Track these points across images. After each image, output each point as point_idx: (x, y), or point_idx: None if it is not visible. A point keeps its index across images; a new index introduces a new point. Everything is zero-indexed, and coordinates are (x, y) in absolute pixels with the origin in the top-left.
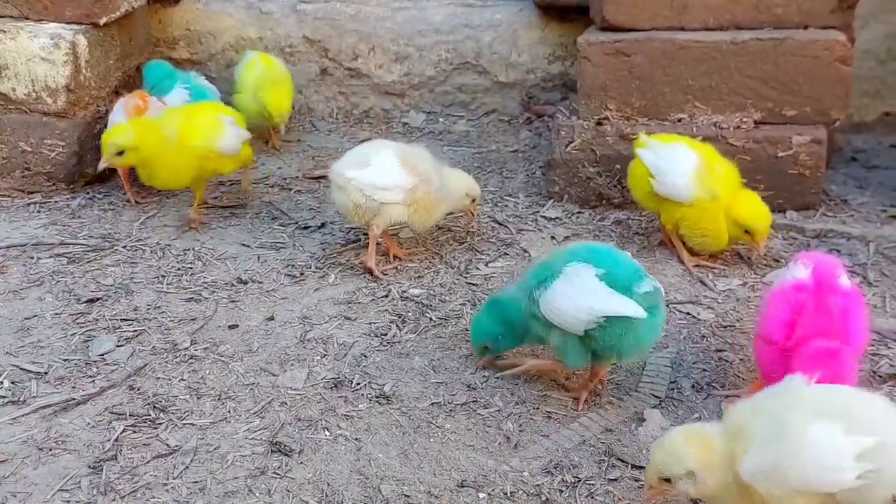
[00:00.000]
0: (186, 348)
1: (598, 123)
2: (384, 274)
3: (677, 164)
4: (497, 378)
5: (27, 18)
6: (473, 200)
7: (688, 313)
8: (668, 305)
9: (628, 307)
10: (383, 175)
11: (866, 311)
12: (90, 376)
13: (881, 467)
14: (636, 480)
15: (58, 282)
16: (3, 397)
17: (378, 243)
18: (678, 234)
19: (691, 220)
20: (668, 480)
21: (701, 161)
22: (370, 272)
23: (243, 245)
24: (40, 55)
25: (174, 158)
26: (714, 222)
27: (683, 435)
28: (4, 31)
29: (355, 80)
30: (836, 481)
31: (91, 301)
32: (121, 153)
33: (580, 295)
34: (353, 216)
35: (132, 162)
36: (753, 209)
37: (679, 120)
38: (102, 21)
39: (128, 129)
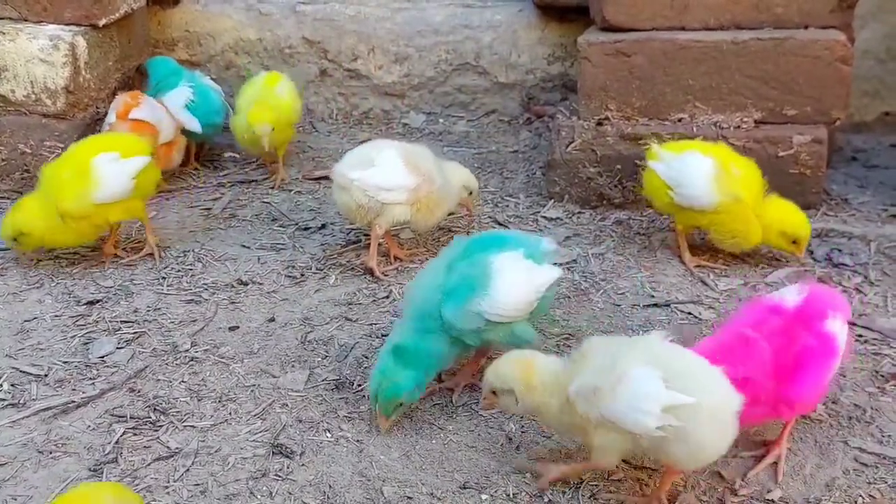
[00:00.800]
0: (187, 350)
1: (599, 124)
2: (385, 275)
3: (693, 174)
4: None
5: (26, 20)
6: (471, 193)
7: (689, 313)
8: (669, 305)
9: (557, 270)
10: (387, 176)
11: (832, 363)
12: (90, 378)
13: (685, 426)
14: (639, 481)
15: (57, 284)
16: (3, 400)
17: (379, 244)
18: (686, 236)
19: (720, 225)
20: (494, 394)
21: (716, 165)
22: (371, 273)
23: (243, 246)
24: (39, 57)
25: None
26: (744, 223)
27: (512, 358)
28: (3, 33)
29: (355, 81)
30: (639, 423)
31: (91, 303)
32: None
33: (527, 279)
34: (355, 217)
35: (34, 245)
36: (796, 218)
37: (679, 120)
38: (101, 22)
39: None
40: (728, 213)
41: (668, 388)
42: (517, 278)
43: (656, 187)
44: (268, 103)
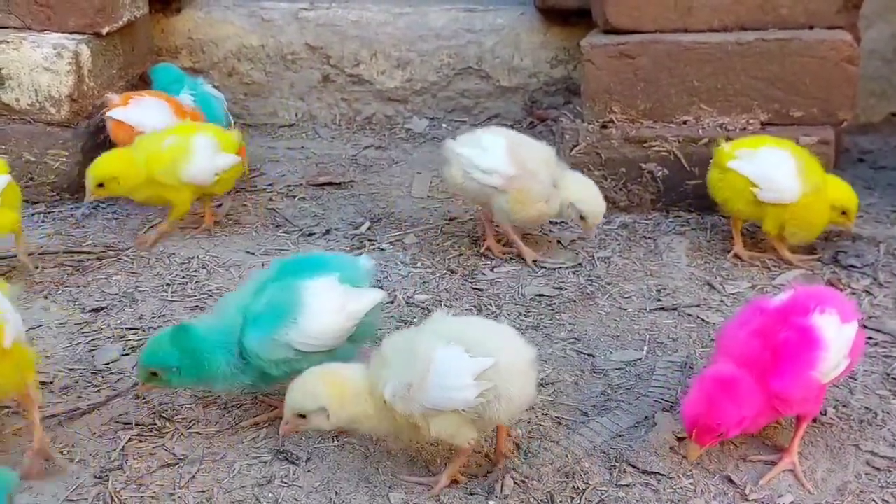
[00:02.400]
0: None
1: (603, 126)
2: (534, 262)
3: (779, 168)
4: None
5: (30, 29)
6: (583, 218)
7: (697, 317)
8: (676, 309)
9: (377, 293)
10: (486, 158)
11: (815, 354)
12: (95, 386)
13: (497, 385)
14: (647, 486)
15: (62, 291)
16: (9, 407)
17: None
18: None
19: (799, 217)
20: (303, 416)
21: (794, 157)
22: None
23: (248, 253)
24: (43, 65)
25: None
26: (820, 213)
27: (317, 374)
28: (7, 42)
29: (357, 86)
30: (459, 399)
31: (96, 310)
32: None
33: (340, 306)
34: (459, 192)
35: (117, 193)
36: (846, 191)
37: (685, 122)
38: (105, 30)
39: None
40: (807, 205)
41: (471, 356)
42: (329, 305)
43: (738, 189)
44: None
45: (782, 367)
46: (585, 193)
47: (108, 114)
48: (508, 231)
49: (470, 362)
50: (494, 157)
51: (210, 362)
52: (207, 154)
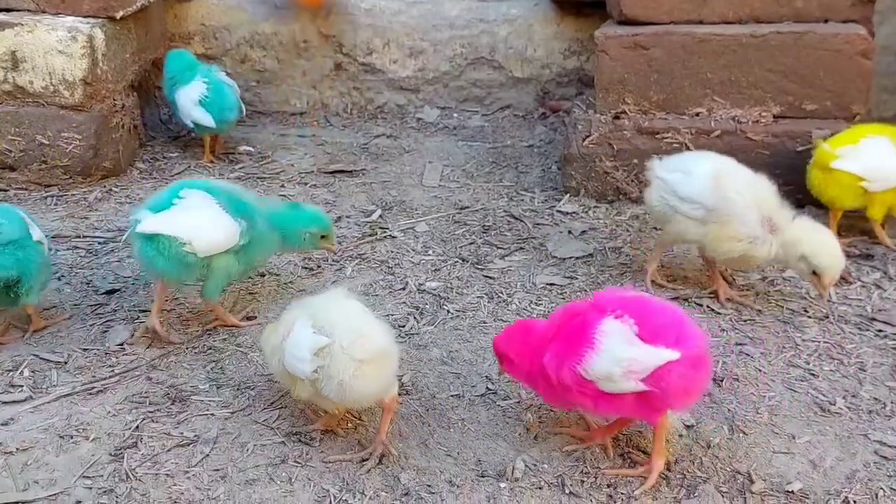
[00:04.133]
0: (205, 339)
1: (616, 117)
2: (728, 301)
3: (884, 158)
4: None
5: (44, 12)
6: (816, 274)
7: (707, 307)
8: (687, 299)
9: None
10: (687, 184)
11: (584, 350)
12: (110, 366)
13: (328, 365)
14: (664, 477)
15: (76, 273)
16: (20, 386)
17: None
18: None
19: None
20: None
21: (893, 142)
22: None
23: None
24: (57, 48)
25: None
26: None
27: (270, 325)
28: (22, 25)
29: (370, 75)
30: (301, 370)
31: (109, 292)
32: None
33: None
34: (658, 221)
35: None
36: None
37: (697, 114)
38: (119, 14)
39: None
40: None
41: (315, 334)
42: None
43: (845, 184)
44: None
45: (553, 347)
46: (821, 245)
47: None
48: (710, 263)
49: (311, 338)
50: (696, 184)
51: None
52: None
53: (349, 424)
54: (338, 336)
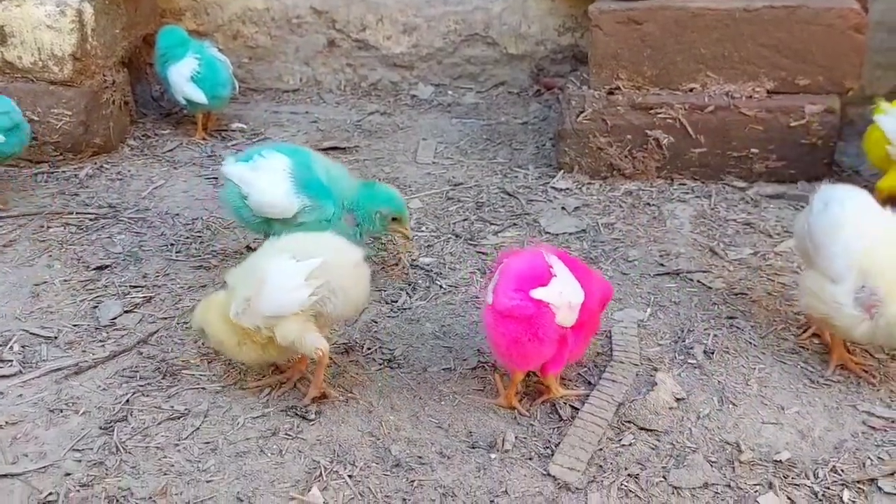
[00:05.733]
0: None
1: (610, 93)
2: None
3: None
4: None
5: None
6: None
7: (699, 281)
8: (679, 274)
9: None
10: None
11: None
12: (100, 341)
13: (329, 280)
14: (647, 443)
15: (66, 250)
16: (10, 361)
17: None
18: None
19: None
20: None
21: None
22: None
23: None
24: (46, 23)
25: None
26: None
27: (204, 300)
28: None
29: (363, 51)
30: (295, 300)
31: (100, 268)
32: None
33: None
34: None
35: None
36: None
37: (691, 89)
38: None
39: None
40: None
41: (298, 262)
42: None
43: (874, 141)
44: None
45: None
46: None
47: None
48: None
49: (299, 265)
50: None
51: None
52: None
53: (341, 398)
54: (322, 253)
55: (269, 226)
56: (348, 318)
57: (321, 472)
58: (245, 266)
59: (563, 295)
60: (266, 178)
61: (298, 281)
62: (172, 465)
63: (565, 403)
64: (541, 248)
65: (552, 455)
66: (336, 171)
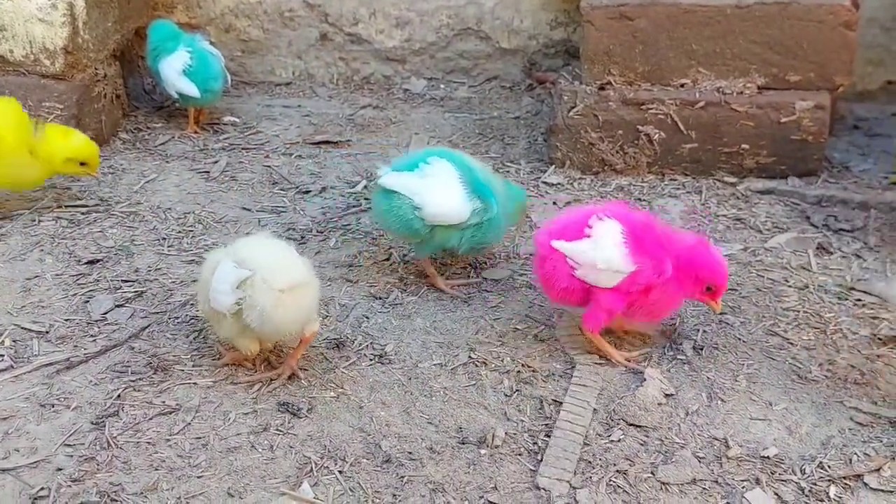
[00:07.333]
0: (188, 309)
1: (601, 88)
2: None
3: None
4: (499, 340)
5: None
6: None
7: None
8: None
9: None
10: None
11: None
12: (91, 335)
13: (250, 295)
14: (636, 439)
15: (58, 244)
16: (1, 355)
17: None
18: None
19: None
20: None
21: None
22: None
23: (244, 209)
24: (38, 16)
25: None
26: None
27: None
28: None
29: (356, 45)
30: (224, 304)
31: (91, 262)
32: None
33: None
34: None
35: None
36: None
37: (682, 85)
38: None
39: None
40: None
41: (237, 268)
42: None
43: None
44: None
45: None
46: None
47: None
48: None
49: (233, 272)
50: None
51: None
52: None
53: (256, 362)
54: (258, 269)
55: (433, 233)
56: (269, 338)
57: (312, 468)
58: (209, 257)
59: (586, 254)
60: (439, 185)
61: (227, 287)
62: (163, 461)
63: (553, 401)
64: (611, 207)
65: (541, 451)
66: (486, 170)
